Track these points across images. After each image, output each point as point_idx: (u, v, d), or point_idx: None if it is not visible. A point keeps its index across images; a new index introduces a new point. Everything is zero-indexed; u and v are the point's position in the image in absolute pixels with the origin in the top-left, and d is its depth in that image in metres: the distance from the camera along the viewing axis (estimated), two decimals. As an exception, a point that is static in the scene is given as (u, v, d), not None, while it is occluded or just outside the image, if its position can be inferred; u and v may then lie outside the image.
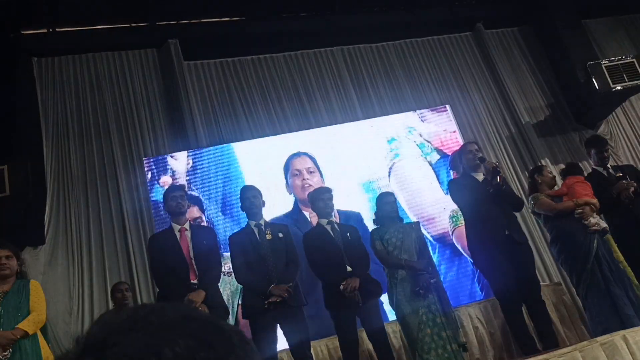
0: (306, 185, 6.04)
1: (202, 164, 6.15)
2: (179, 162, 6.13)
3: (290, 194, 6.14)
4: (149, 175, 6.03)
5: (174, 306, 0.57)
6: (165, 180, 5.98)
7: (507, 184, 4.54)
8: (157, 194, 5.85)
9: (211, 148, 6.27)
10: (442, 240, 6.24)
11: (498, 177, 4.18)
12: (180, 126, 6.45)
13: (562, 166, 6.03)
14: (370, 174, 6.43)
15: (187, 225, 4.03)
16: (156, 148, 6.32)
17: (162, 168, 6.09)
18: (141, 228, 5.87)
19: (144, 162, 6.08)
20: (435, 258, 6.07)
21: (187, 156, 6.16)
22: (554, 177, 4.94)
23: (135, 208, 5.96)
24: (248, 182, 5.60)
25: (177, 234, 3.96)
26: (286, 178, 6.22)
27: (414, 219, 6.11)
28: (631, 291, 4.37)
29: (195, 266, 3.85)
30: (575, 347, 3.41)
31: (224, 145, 6.35)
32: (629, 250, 4.62)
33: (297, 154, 6.34)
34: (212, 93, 6.77)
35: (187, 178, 6.04)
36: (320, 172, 6.29)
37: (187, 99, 6.51)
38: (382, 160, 6.55)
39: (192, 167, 6.10)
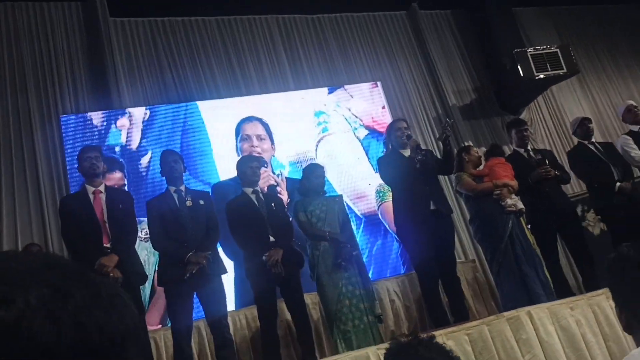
0: (254, 152, 5.99)
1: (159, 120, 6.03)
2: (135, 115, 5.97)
3: (239, 156, 6.07)
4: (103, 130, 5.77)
5: (38, 254, 0.52)
6: (124, 123, 5.79)
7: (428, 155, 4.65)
8: (114, 138, 5.79)
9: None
10: (369, 216, 6.34)
11: (420, 155, 4.30)
12: (103, 85, 6.16)
13: (485, 149, 6.23)
14: (297, 146, 6.42)
15: (102, 188, 3.85)
16: (76, 106, 6.03)
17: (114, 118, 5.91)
18: (57, 189, 5.61)
19: (62, 119, 5.80)
20: (361, 233, 6.18)
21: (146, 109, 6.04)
22: (480, 157, 5.10)
23: (51, 167, 5.69)
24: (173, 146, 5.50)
25: (91, 196, 3.78)
26: (236, 141, 6.14)
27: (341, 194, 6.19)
28: (541, 271, 4.60)
29: (108, 230, 3.70)
30: (483, 321, 3.56)
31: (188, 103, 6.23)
32: (539, 231, 4.85)
33: (249, 119, 6.30)
34: (139, 53, 6.50)
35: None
36: (271, 138, 6.25)
37: (112, 57, 6.22)
38: (310, 133, 6.55)
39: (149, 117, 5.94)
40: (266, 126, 6.33)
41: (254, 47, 7.03)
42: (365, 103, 6.92)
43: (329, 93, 6.86)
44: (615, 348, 3.56)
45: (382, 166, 4.60)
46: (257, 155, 5.99)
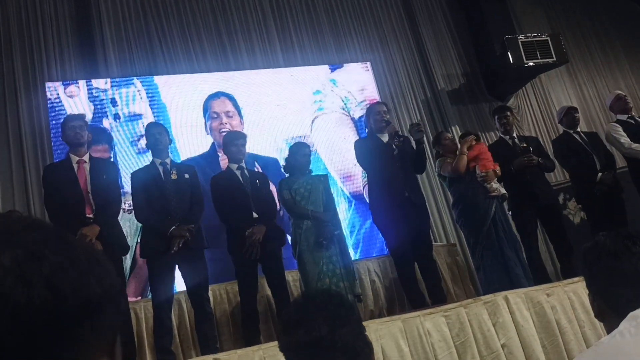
0: (223, 130, 5.94)
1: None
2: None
3: (207, 134, 6.03)
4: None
5: (19, 217, 0.52)
6: (73, 90, 5.70)
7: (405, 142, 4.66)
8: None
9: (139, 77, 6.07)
10: (359, 196, 6.37)
11: (397, 141, 4.33)
12: (90, 52, 6.08)
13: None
14: (293, 124, 6.40)
15: (86, 158, 3.82)
16: (62, 73, 5.94)
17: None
18: (40, 156, 5.56)
19: (47, 86, 5.72)
20: (351, 213, 6.22)
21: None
22: (453, 141, 5.14)
23: (35, 135, 5.62)
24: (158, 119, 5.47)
25: (75, 166, 3.75)
26: (205, 119, 6.09)
27: (333, 173, 6.21)
28: (521, 255, 4.68)
29: (92, 200, 3.68)
30: (461, 303, 3.60)
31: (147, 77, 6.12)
32: (520, 218, 4.92)
33: (217, 95, 6.20)
34: (127, 21, 6.39)
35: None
36: (240, 114, 6.20)
37: (100, 25, 6.13)
38: (306, 111, 6.54)
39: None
40: (234, 101, 6.25)
41: (244, 22, 6.94)
42: (359, 82, 6.92)
43: (332, 71, 6.83)
44: (590, 334, 3.64)
45: (359, 149, 4.61)
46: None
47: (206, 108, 6.13)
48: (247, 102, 6.31)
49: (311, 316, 1.32)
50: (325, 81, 6.77)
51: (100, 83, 5.87)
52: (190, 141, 5.96)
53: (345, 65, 6.98)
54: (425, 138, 4.49)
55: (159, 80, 6.14)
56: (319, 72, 6.83)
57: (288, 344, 1.35)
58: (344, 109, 6.73)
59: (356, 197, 6.37)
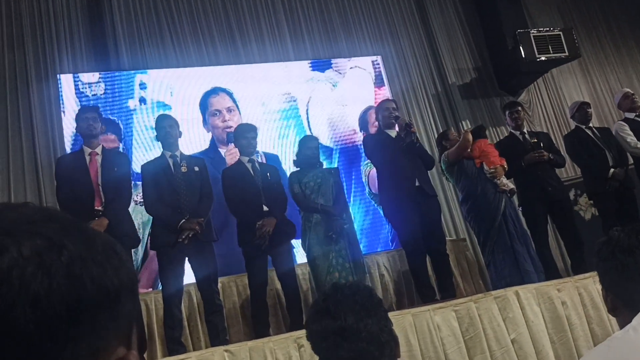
0: (227, 128, 5.92)
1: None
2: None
3: (208, 132, 6.02)
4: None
5: (37, 208, 0.53)
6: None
7: (419, 141, 4.69)
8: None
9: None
10: (364, 188, 6.37)
11: (411, 130, 4.35)
12: (102, 45, 6.10)
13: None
14: (291, 118, 6.41)
15: (99, 150, 3.84)
16: (74, 66, 5.97)
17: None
18: (52, 148, 5.58)
19: (59, 78, 5.74)
20: (357, 205, 6.21)
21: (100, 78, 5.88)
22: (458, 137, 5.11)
23: (46, 126, 5.64)
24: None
25: (87, 158, 3.77)
26: (204, 116, 6.07)
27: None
28: (532, 249, 4.66)
29: (102, 193, 3.69)
30: (471, 298, 3.60)
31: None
32: (530, 213, 4.90)
33: (215, 92, 6.16)
34: (139, 14, 6.39)
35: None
36: (238, 108, 6.18)
37: (111, 17, 6.14)
38: (302, 103, 6.54)
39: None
40: (232, 96, 6.22)
41: (255, 14, 6.93)
42: (362, 77, 6.88)
43: (323, 72, 6.78)
44: (598, 330, 3.63)
45: (368, 145, 4.65)
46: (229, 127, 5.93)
47: (205, 105, 6.10)
48: (243, 97, 6.28)
49: (339, 306, 1.34)
50: (323, 76, 6.75)
51: (89, 77, 5.86)
52: (188, 137, 5.96)
53: (348, 60, 6.95)
54: (415, 137, 4.48)
55: (157, 73, 6.14)
56: (316, 66, 6.81)
57: (314, 332, 1.37)
58: (339, 103, 6.70)
59: (360, 188, 6.37)
